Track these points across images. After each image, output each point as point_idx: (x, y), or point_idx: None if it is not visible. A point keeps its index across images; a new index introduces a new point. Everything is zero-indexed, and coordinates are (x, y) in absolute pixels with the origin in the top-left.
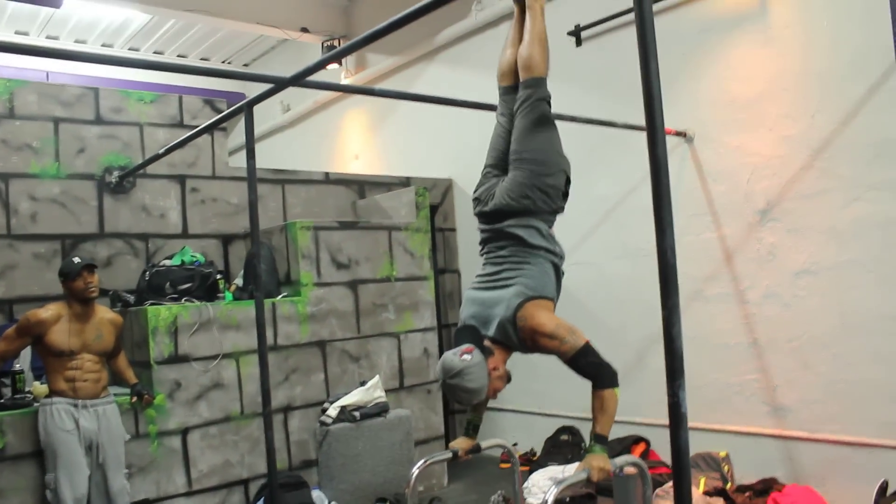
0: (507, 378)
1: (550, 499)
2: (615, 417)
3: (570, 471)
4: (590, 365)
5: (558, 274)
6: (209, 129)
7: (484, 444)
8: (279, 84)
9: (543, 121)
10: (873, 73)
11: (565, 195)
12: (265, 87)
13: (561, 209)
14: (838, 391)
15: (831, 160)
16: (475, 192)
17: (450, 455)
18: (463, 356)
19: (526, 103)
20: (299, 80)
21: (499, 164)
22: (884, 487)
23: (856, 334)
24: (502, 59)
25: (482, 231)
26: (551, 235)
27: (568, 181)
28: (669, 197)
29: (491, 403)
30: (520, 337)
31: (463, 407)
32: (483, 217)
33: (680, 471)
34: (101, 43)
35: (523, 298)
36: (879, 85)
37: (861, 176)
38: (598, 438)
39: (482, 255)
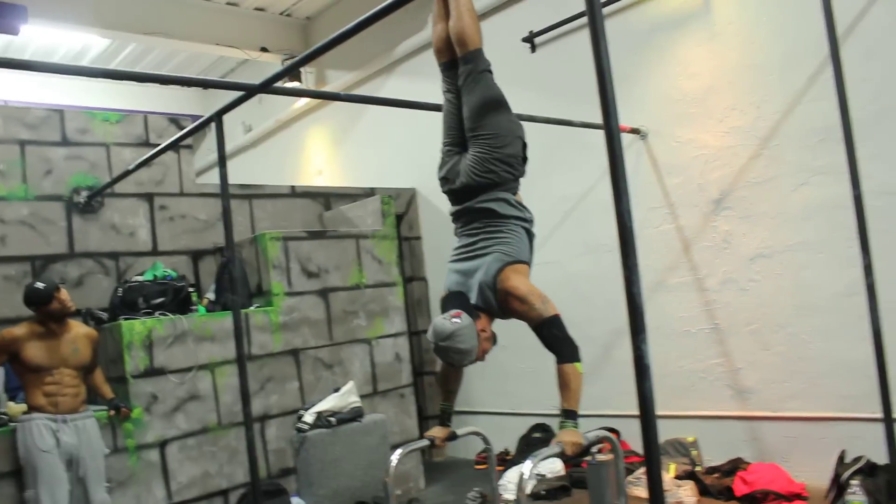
0: (494, 340)
1: (527, 471)
2: (581, 394)
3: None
4: (553, 337)
5: (530, 237)
6: (176, 143)
7: (459, 432)
8: (249, 91)
9: (490, 92)
10: (811, 63)
11: (525, 159)
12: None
13: (523, 174)
14: (797, 369)
15: (778, 148)
16: (440, 171)
17: (427, 443)
18: (453, 319)
19: (469, 78)
20: (268, 86)
21: (456, 140)
22: (842, 456)
23: (809, 313)
24: (434, 35)
25: (453, 207)
26: (519, 202)
27: (524, 146)
28: (623, 165)
29: (464, 406)
30: (497, 300)
31: (449, 382)
32: (452, 195)
33: (647, 421)
34: None
35: (502, 263)
36: (818, 74)
37: (807, 161)
38: (568, 414)
39: (456, 230)
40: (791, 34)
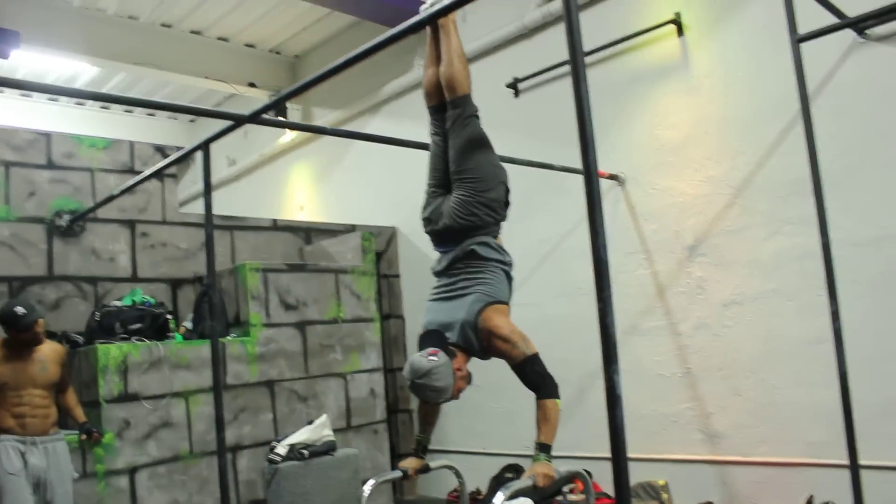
0: (469, 379)
1: (498, 502)
2: (557, 430)
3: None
4: (535, 374)
5: (510, 280)
6: (161, 171)
7: (433, 465)
8: (237, 121)
9: (476, 137)
10: (784, 117)
11: (507, 204)
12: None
13: (504, 218)
14: (767, 415)
15: (751, 198)
16: (423, 212)
17: (399, 474)
18: (429, 357)
19: (456, 123)
20: (256, 117)
21: (441, 182)
22: (810, 502)
23: (779, 359)
24: (425, 79)
25: (435, 248)
26: (499, 246)
27: (507, 191)
28: (600, 201)
29: (436, 444)
30: (478, 338)
31: (427, 405)
32: (434, 236)
33: (618, 452)
34: (48, 97)
35: (483, 304)
36: (790, 128)
37: (778, 212)
38: (542, 447)
39: (435, 269)
40: (764, 90)
